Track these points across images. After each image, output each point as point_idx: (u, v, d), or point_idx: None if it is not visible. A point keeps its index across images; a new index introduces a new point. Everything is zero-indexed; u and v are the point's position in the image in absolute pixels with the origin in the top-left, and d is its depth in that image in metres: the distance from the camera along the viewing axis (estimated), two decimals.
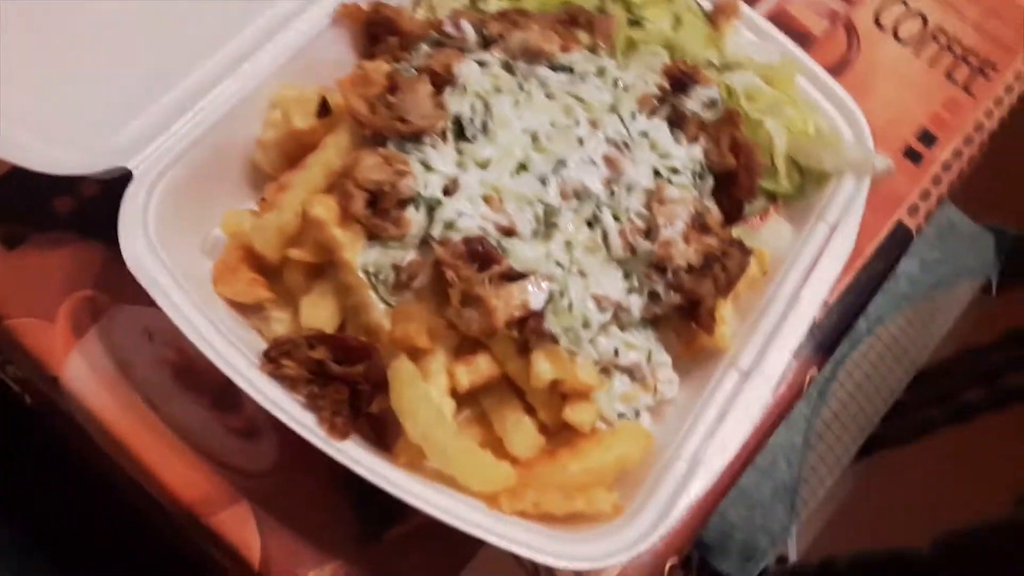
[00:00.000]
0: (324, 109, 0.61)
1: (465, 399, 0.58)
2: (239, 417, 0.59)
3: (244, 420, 0.59)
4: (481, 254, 0.55)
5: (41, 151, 0.60)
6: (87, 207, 0.65)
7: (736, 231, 0.65)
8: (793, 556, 1.38)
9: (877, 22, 0.88)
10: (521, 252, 0.56)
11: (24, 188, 0.61)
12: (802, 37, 0.85)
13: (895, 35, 0.88)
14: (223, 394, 0.59)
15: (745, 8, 0.72)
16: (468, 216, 0.56)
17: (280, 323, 0.58)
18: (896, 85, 0.85)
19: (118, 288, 0.60)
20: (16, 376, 0.71)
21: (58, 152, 0.60)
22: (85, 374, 0.60)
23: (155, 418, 0.59)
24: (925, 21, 0.89)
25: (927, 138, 0.82)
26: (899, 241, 0.76)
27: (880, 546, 1.10)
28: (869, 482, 1.46)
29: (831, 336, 0.71)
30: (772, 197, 0.69)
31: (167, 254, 0.57)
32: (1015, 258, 1.47)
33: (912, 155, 0.81)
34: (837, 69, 0.84)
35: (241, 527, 0.56)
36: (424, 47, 0.65)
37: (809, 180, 0.69)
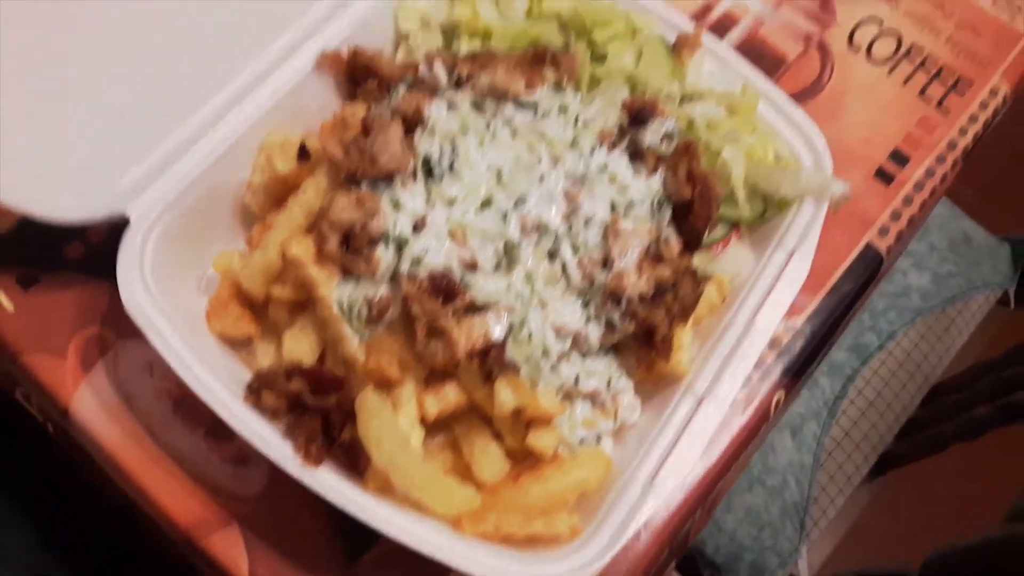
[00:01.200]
0: (304, 154, 0.65)
1: (438, 425, 0.62)
2: (231, 446, 0.64)
3: (235, 449, 0.64)
4: (445, 288, 0.59)
5: (47, 200, 0.65)
6: (95, 250, 0.70)
7: (698, 257, 0.69)
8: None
9: (851, 42, 0.90)
10: (483, 285, 0.60)
11: (37, 233, 0.67)
12: (776, 61, 0.88)
13: (869, 55, 0.90)
14: (216, 424, 0.63)
15: (708, 39, 0.75)
16: (434, 252, 0.60)
17: (266, 356, 0.63)
18: (869, 106, 0.86)
19: (122, 325, 0.65)
20: (37, 405, 0.77)
21: (62, 200, 0.66)
22: (93, 406, 0.65)
23: (155, 447, 0.64)
24: (900, 39, 0.91)
25: (899, 158, 0.84)
26: (868, 263, 0.78)
27: (888, 566, 1.11)
28: (882, 500, 1.46)
29: (799, 359, 0.73)
30: (734, 223, 0.71)
31: (162, 294, 0.62)
32: None
33: (884, 176, 0.82)
34: (810, 91, 0.87)
35: (231, 549, 0.61)
36: (401, 88, 0.70)
37: (772, 206, 0.72)
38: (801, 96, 0.86)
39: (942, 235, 1.42)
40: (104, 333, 0.68)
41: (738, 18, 0.89)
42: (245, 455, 0.64)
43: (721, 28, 0.89)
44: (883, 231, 0.80)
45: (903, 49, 0.90)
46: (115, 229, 0.63)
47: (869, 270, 0.78)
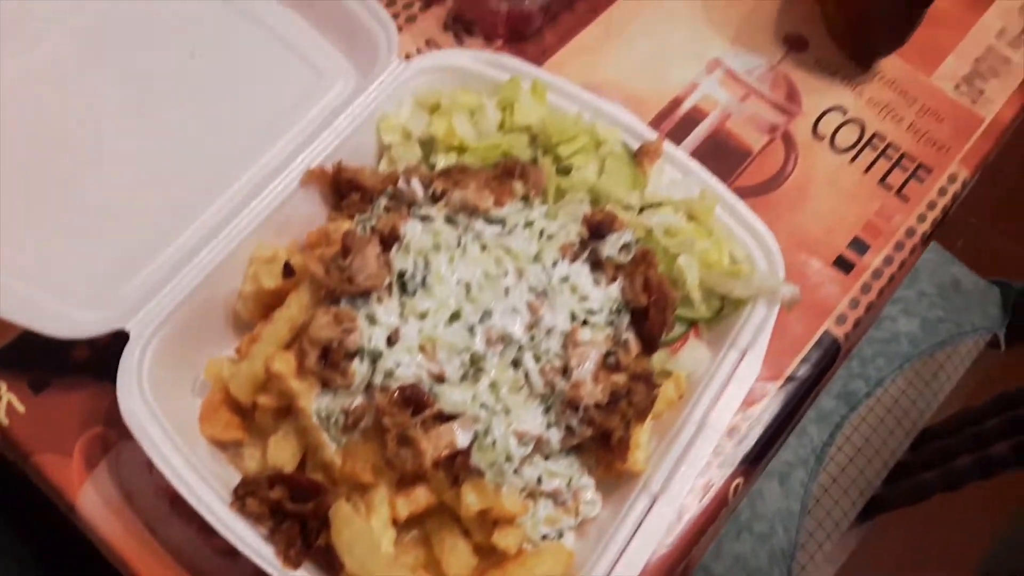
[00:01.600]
0: (288, 271, 0.71)
1: (411, 523, 0.67)
2: (221, 540, 0.69)
3: (225, 543, 0.69)
4: (415, 400, 0.64)
5: (51, 317, 0.71)
6: (100, 352, 0.76)
7: (657, 356, 0.73)
8: None
9: (815, 132, 0.95)
10: (450, 396, 0.65)
11: (48, 340, 0.72)
12: (742, 153, 0.93)
13: (832, 143, 0.94)
14: (207, 522, 0.69)
15: (669, 147, 0.80)
16: (405, 365, 0.65)
17: (252, 459, 0.68)
18: (832, 194, 0.91)
19: (124, 426, 0.70)
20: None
21: (66, 317, 0.72)
22: (96, 503, 0.71)
23: (153, 541, 0.70)
24: (863, 128, 0.95)
25: (859, 246, 0.88)
26: (825, 349, 0.82)
27: None
28: (869, 545, 1.49)
29: (757, 447, 0.77)
30: (691, 322, 0.76)
31: (158, 401, 0.67)
32: (1022, 312, 1.49)
33: (843, 264, 0.87)
34: (774, 181, 0.91)
35: None
36: (383, 200, 0.76)
37: (729, 305, 0.76)
38: (765, 186, 0.91)
39: (931, 281, 1.45)
40: (107, 433, 0.73)
41: (707, 112, 0.94)
42: (233, 549, 0.69)
43: (690, 121, 0.94)
44: (841, 319, 0.84)
45: (866, 137, 0.95)
46: (119, 335, 0.69)
47: (827, 357, 0.82)
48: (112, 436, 0.73)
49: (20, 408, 0.74)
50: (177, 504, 0.70)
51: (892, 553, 1.63)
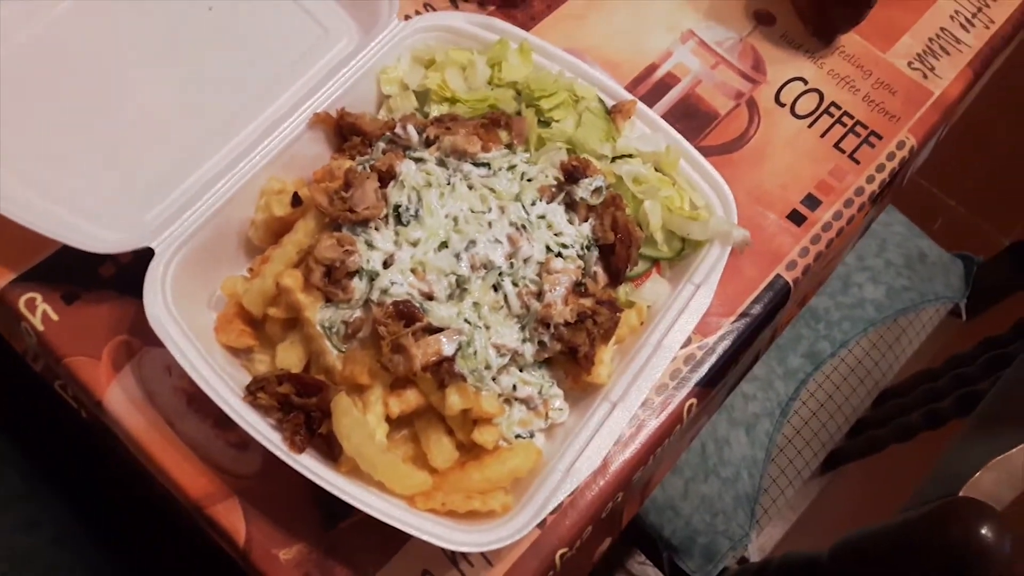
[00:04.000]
0: (296, 201, 0.80)
1: (401, 422, 0.76)
2: (233, 434, 0.78)
3: (237, 436, 0.78)
4: (407, 313, 0.73)
5: (85, 232, 0.80)
6: (124, 271, 0.84)
7: (623, 289, 0.83)
8: (755, 559, 1.52)
9: (778, 100, 1.04)
10: (438, 312, 0.74)
11: (78, 257, 0.80)
12: (710, 116, 1.02)
13: (793, 111, 1.03)
14: (222, 416, 0.77)
15: (640, 106, 0.89)
16: (399, 284, 0.74)
17: (262, 363, 0.78)
18: (790, 155, 1.00)
19: (146, 334, 0.79)
20: (75, 396, 0.92)
21: (98, 232, 0.81)
22: (122, 400, 0.80)
23: (172, 434, 0.79)
24: (822, 96, 1.05)
25: (812, 202, 0.97)
26: (776, 291, 0.92)
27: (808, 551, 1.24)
28: (829, 494, 1.59)
29: (710, 373, 0.86)
30: (655, 260, 0.85)
31: (179, 312, 0.76)
32: (981, 283, 1.59)
33: (796, 217, 0.96)
34: (737, 142, 1.00)
35: (232, 516, 0.76)
36: (381, 144, 0.84)
37: (689, 246, 0.86)
38: (729, 146, 1.00)
39: (899, 252, 1.55)
40: (131, 340, 0.82)
41: (679, 78, 1.03)
42: (244, 441, 0.78)
43: (664, 86, 1.03)
44: (791, 265, 0.94)
45: (824, 105, 1.04)
46: (140, 253, 0.78)
47: (777, 298, 0.92)
48: (136, 343, 0.82)
49: (54, 317, 0.82)
50: (194, 402, 0.80)
51: (851, 500, 1.75)
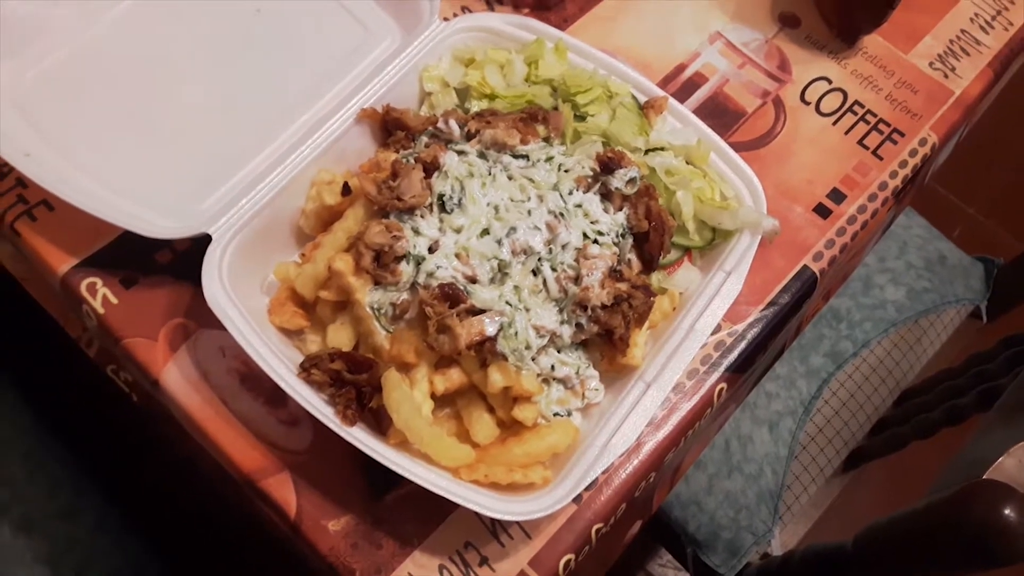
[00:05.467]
0: (346, 190, 0.84)
1: (445, 400, 0.80)
2: (285, 411, 0.82)
3: (288, 413, 0.82)
4: (452, 296, 0.77)
5: (147, 219, 0.85)
6: (181, 257, 0.89)
7: (655, 276, 0.86)
8: (777, 554, 1.54)
9: (803, 98, 1.07)
10: (481, 294, 0.78)
11: (136, 244, 0.85)
12: (737, 113, 1.05)
13: (818, 109, 1.07)
14: (274, 395, 0.82)
15: (672, 102, 0.93)
16: (444, 268, 0.78)
17: (314, 343, 0.82)
18: (815, 151, 1.04)
19: (201, 317, 0.83)
20: (127, 380, 0.97)
21: (158, 220, 0.85)
22: (178, 379, 0.84)
23: (226, 411, 0.83)
24: (845, 95, 1.08)
25: (837, 196, 1.01)
26: (803, 281, 0.95)
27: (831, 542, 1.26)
28: (852, 490, 1.61)
29: (740, 358, 0.90)
30: (686, 249, 0.89)
31: (235, 294, 0.80)
32: (1002, 285, 1.61)
33: (822, 211, 0.99)
34: (764, 139, 1.04)
35: (283, 489, 0.79)
36: (424, 138, 0.89)
37: (719, 236, 0.89)
38: (756, 143, 1.04)
39: (919, 254, 1.57)
40: (187, 323, 0.87)
41: (707, 77, 1.07)
42: (295, 418, 0.82)
43: (692, 85, 1.06)
44: (818, 256, 0.97)
45: (848, 104, 1.07)
46: (196, 241, 0.82)
47: (804, 288, 0.95)
48: (192, 326, 0.86)
49: (114, 300, 0.87)
50: (247, 381, 0.84)
51: (872, 498, 1.76)
